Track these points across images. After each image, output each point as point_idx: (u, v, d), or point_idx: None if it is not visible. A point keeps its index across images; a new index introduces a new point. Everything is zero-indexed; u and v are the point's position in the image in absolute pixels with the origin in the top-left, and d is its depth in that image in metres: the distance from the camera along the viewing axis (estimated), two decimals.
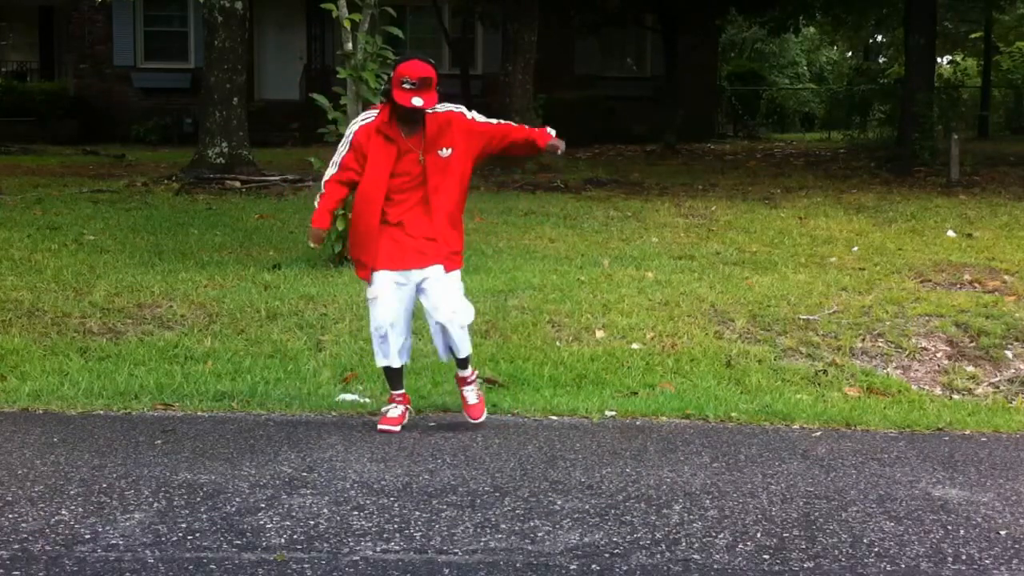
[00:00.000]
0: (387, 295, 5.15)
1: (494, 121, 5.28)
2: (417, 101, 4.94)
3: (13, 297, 7.58)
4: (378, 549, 3.86)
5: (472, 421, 5.36)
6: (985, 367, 6.87)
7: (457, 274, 5.23)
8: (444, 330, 5.17)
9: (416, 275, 5.14)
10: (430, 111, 5.08)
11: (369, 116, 5.20)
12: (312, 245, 5.57)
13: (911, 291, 8.15)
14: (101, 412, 5.59)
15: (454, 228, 5.22)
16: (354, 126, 5.22)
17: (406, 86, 4.95)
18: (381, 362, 5.30)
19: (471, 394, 5.40)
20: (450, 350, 5.29)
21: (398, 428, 5.30)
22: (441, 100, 5.13)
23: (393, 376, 5.38)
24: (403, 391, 5.43)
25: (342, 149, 5.20)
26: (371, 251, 5.15)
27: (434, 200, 5.13)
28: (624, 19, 23.23)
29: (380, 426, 5.30)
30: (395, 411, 5.35)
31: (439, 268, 5.13)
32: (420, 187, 5.12)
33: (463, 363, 5.35)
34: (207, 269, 8.56)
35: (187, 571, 3.65)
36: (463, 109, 5.23)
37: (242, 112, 14.76)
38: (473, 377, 5.42)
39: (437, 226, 5.14)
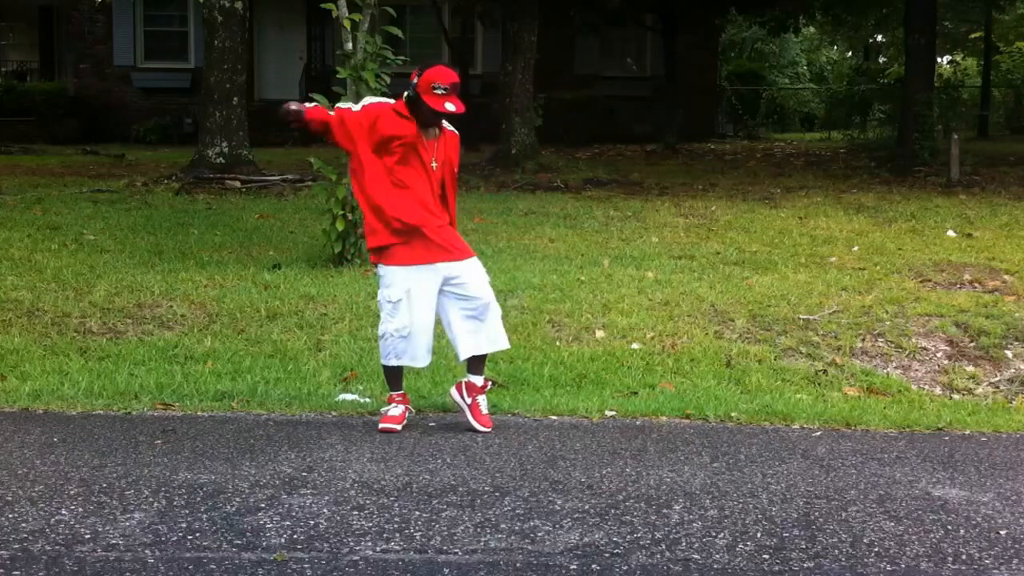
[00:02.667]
0: (410, 295, 5.20)
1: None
2: (450, 106, 5.04)
3: (13, 297, 7.58)
4: (378, 549, 3.86)
5: (483, 430, 5.32)
6: (985, 367, 6.87)
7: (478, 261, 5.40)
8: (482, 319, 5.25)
9: (444, 268, 5.20)
10: (447, 126, 5.26)
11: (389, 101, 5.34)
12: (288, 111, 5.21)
13: (911, 291, 8.15)
14: (101, 412, 5.59)
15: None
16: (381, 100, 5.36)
17: (439, 91, 5.02)
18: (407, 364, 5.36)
19: (484, 403, 5.40)
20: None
21: (399, 427, 5.30)
22: None
23: (394, 376, 5.39)
24: (403, 391, 5.43)
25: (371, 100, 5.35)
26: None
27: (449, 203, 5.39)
28: (624, 19, 23.21)
29: (381, 425, 5.30)
30: (396, 410, 5.35)
31: (474, 260, 5.31)
32: (434, 189, 5.27)
33: (481, 369, 5.40)
34: (207, 269, 8.57)
35: (187, 571, 3.65)
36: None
37: (242, 112, 14.76)
38: (488, 386, 5.46)
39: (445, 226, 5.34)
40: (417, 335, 5.21)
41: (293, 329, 7.07)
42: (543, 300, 7.72)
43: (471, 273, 5.23)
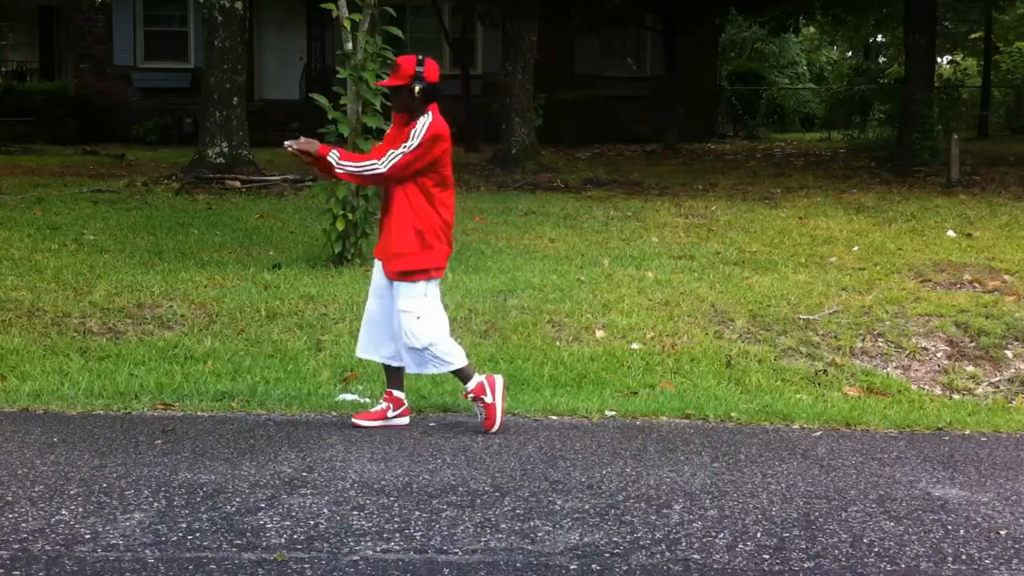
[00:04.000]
0: (371, 286, 5.36)
1: (393, 161, 5.08)
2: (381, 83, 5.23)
3: (13, 297, 7.58)
4: (378, 549, 3.86)
5: (487, 431, 5.32)
6: (985, 367, 6.87)
7: (403, 286, 5.16)
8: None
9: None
10: (421, 116, 5.17)
11: None
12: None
13: (911, 291, 8.15)
14: (101, 412, 5.59)
15: (398, 229, 5.15)
16: None
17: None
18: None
19: (478, 410, 5.35)
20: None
21: (369, 424, 5.30)
22: (432, 98, 5.16)
23: (385, 372, 5.44)
24: (393, 391, 5.40)
25: None
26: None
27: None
28: (624, 19, 23.21)
29: (353, 420, 5.34)
30: (377, 407, 5.41)
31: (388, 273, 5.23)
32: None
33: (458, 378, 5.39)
34: (207, 269, 8.57)
35: (187, 571, 3.65)
36: (420, 127, 5.10)
37: (242, 112, 14.76)
38: (472, 395, 5.31)
39: (389, 228, 5.21)
40: (363, 327, 5.36)
41: (293, 329, 7.07)
42: (543, 300, 7.71)
43: (393, 293, 5.22)
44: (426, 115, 5.12)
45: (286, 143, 5.12)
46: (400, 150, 5.06)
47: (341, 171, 5.11)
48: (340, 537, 3.95)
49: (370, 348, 5.35)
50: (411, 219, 5.11)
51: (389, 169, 5.06)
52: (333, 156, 5.08)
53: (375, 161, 5.09)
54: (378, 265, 5.27)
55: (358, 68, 8.57)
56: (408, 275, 5.12)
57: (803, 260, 9.37)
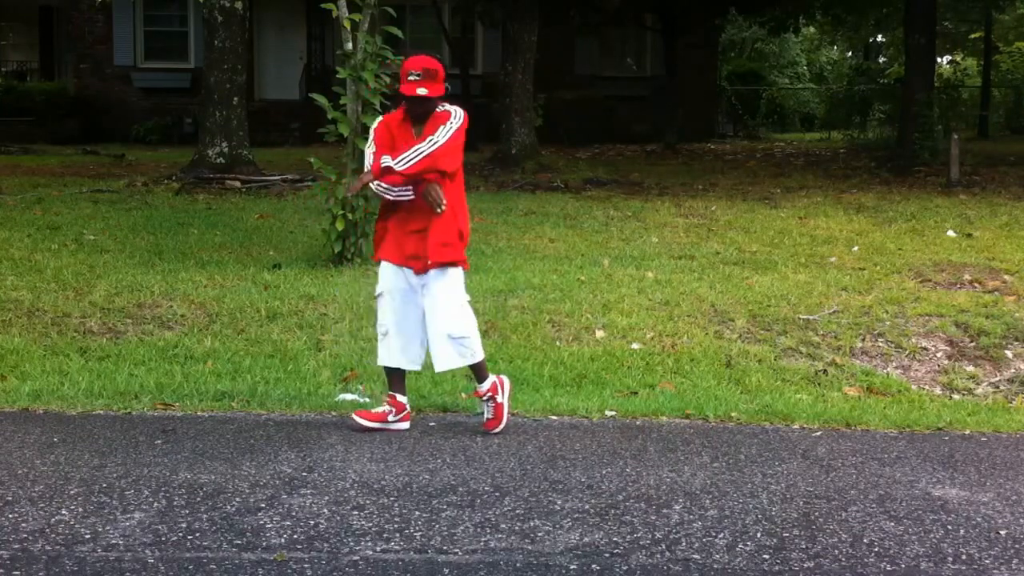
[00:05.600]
0: (391, 293, 5.25)
1: (439, 143, 5.05)
2: (422, 91, 5.04)
3: (13, 297, 7.58)
4: (378, 549, 3.86)
5: (487, 431, 5.31)
6: (985, 367, 6.87)
7: (450, 275, 5.18)
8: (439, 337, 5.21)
9: (411, 276, 5.21)
10: (440, 108, 5.14)
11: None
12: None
13: (911, 291, 8.15)
14: (101, 412, 5.59)
15: (445, 221, 5.18)
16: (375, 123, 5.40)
17: (411, 78, 5.06)
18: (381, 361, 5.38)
19: (487, 408, 5.35)
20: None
21: (369, 424, 5.27)
22: (443, 99, 5.17)
23: (387, 375, 5.41)
24: (397, 395, 5.35)
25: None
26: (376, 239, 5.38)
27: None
28: (624, 19, 23.20)
29: (353, 416, 5.31)
30: (379, 408, 5.37)
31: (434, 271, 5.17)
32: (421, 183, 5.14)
33: (477, 376, 5.37)
34: (207, 269, 8.57)
35: (187, 571, 3.65)
36: (454, 114, 5.14)
37: (242, 112, 14.76)
38: (488, 394, 5.32)
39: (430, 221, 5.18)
40: (392, 335, 5.26)
41: (293, 329, 7.07)
42: (543, 300, 7.72)
43: (429, 287, 5.19)
44: (449, 104, 5.16)
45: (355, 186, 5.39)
46: (448, 128, 5.05)
47: (402, 166, 5.01)
48: (340, 537, 3.95)
49: (402, 356, 5.29)
50: (455, 212, 5.17)
51: (447, 140, 5.02)
52: (386, 160, 5.04)
53: (430, 137, 5.03)
54: (399, 271, 5.20)
55: (358, 68, 8.57)
56: (451, 264, 5.16)
57: (803, 260, 9.38)
